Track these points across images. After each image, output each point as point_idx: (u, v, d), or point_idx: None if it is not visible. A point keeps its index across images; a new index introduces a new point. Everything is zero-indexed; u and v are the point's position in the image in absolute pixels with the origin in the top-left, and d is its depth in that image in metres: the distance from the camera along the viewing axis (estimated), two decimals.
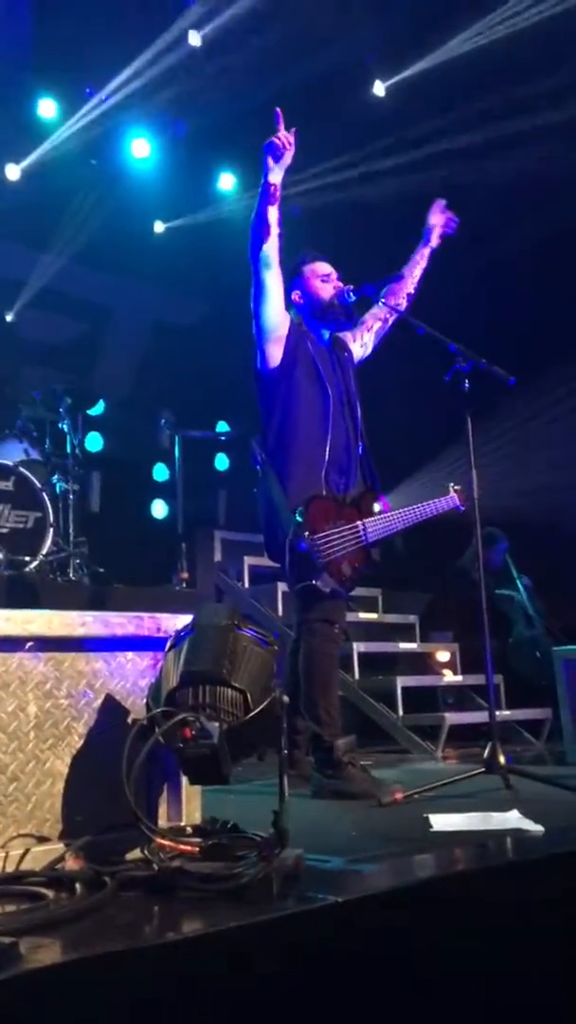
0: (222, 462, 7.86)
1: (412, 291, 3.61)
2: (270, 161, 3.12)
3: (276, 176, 3.13)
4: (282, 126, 3.11)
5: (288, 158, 3.13)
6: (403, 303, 3.57)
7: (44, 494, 5.20)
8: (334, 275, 3.48)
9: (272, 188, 3.13)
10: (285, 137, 3.11)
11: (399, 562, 5.41)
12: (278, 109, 3.11)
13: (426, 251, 3.63)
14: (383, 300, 3.51)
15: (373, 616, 5.86)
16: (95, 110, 6.65)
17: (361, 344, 3.59)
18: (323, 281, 3.45)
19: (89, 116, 6.64)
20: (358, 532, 3.25)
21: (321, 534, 3.16)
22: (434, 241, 3.64)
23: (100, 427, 6.91)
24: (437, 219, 3.63)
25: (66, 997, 1.24)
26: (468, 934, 1.78)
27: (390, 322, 3.63)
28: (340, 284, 3.45)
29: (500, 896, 1.90)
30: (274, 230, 3.16)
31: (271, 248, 3.18)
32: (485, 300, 6.45)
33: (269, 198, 3.14)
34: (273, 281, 3.22)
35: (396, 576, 5.89)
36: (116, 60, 6.29)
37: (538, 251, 6.30)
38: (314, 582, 3.15)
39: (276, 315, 3.27)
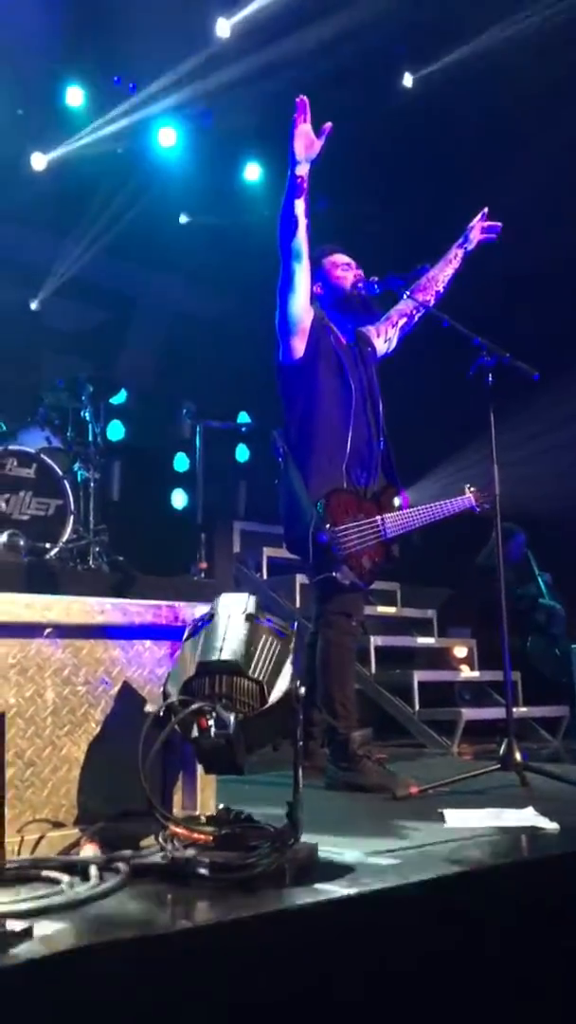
0: (243, 453, 7.86)
1: (441, 289, 3.57)
2: (297, 152, 3.08)
3: (303, 169, 3.09)
4: (307, 115, 3.06)
5: (316, 150, 3.07)
6: (431, 300, 3.54)
7: (65, 482, 5.23)
8: (354, 265, 3.46)
9: (299, 180, 3.09)
10: (307, 128, 3.04)
11: (418, 556, 5.38)
12: (303, 97, 3.06)
13: (460, 252, 3.60)
14: (409, 294, 3.48)
15: (391, 610, 5.85)
16: (123, 99, 6.65)
17: (385, 339, 3.57)
18: (343, 271, 3.43)
19: (117, 105, 6.64)
20: (377, 527, 3.25)
21: (341, 527, 3.15)
22: (471, 244, 3.61)
23: (122, 416, 6.93)
24: (476, 223, 3.60)
25: (77, 982, 1.25)
26: (481, 931, 1.77)
27: (416, 318, 3.60)
28: (360, 273, 3.43)
29: (514, 893, 1.89)
30: (302, 222, 3.14)
31: (300, 240, 3.16)
32: (509, 297, 6.40)
33: (296, 190, 3.10)
34: (302, 273, 3.20)
35: (415, 570, 5.87)
36: (144, 49, 6.26)
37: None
38: (334, 574, 3.15)
39: (302, 307, 3.25)
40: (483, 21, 6.29)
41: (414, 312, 3.58)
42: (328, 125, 3.05)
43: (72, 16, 5.92)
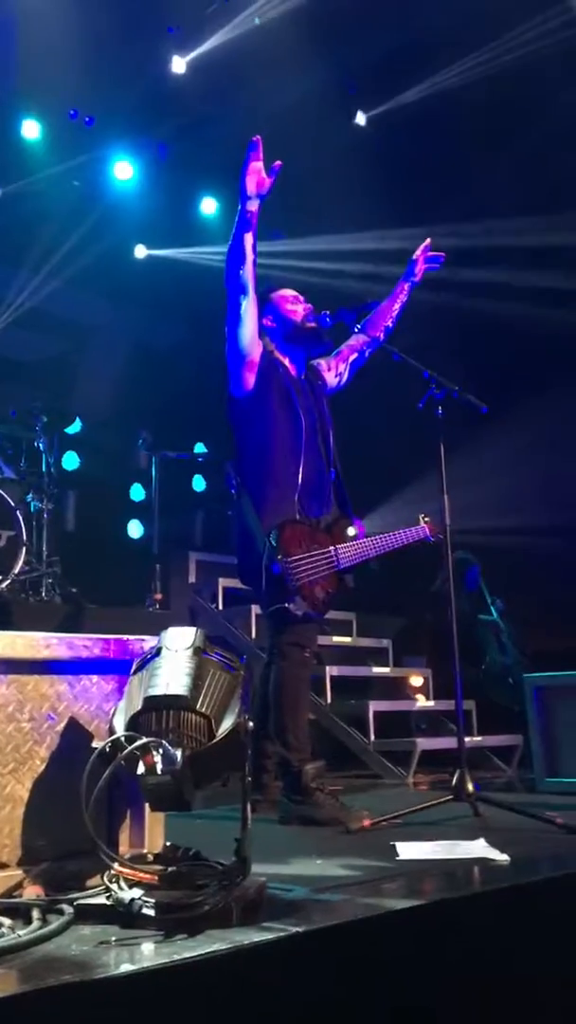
0: (199, 483, 7.85)
1: (390, 324, 3.63)
2: (248, 188, 3.13)
3: (253, 204, 3.15)
4: (260, 153, 3.12)
5: (267, 187, 3.13)
6: (381, 335, 3.60)
7: (17, 512, 5.16)
8: (302, 299, 3.51)
9: (249, 215, 3.15)
10: (259, 166, 3.10)
11: (373, 586, 5.40)
12: (257, 137, 3.12)
13: (407, 285, 3.67)
14: (360, 328, 3.53)
15: (347, 640, 5.86)
16: (80, 132, 6.68)
17: (336, 374, 3.62)
18: (293, 304, 3.49)
19: (73, 138, 6.67)
20: (330, 557, 3.26)
21: (294, 558, 3.16)
22: (417, 276, 3.67)
23: (77, 446, 6.88)
24: (420, 254, 3.67)
25: None
26: (432, 965, 1.76)
27: (366, 353, 3.67)
28: (310, 307, 3.48)
29: (466, 926, 1.88)
30: (250, 256, 3.18)
31: (247, 273, 3.20)
32: (463, 331, 6.51)
33: (246, 225, 3.16)
34: (248, 306, 3.23)
35: (370, 600, 5.89)
36: (100, 83, 6.32)
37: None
38: (287, 605, 3.15)
39: (249, 340, 3.28)
40: (435, 62, 6.47)
41: (364, 347, 3.64)
42: (278, 164, 3.11)
43: (28, 48, 5.96)
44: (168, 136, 6.81)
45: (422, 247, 3.70)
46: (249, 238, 3.16)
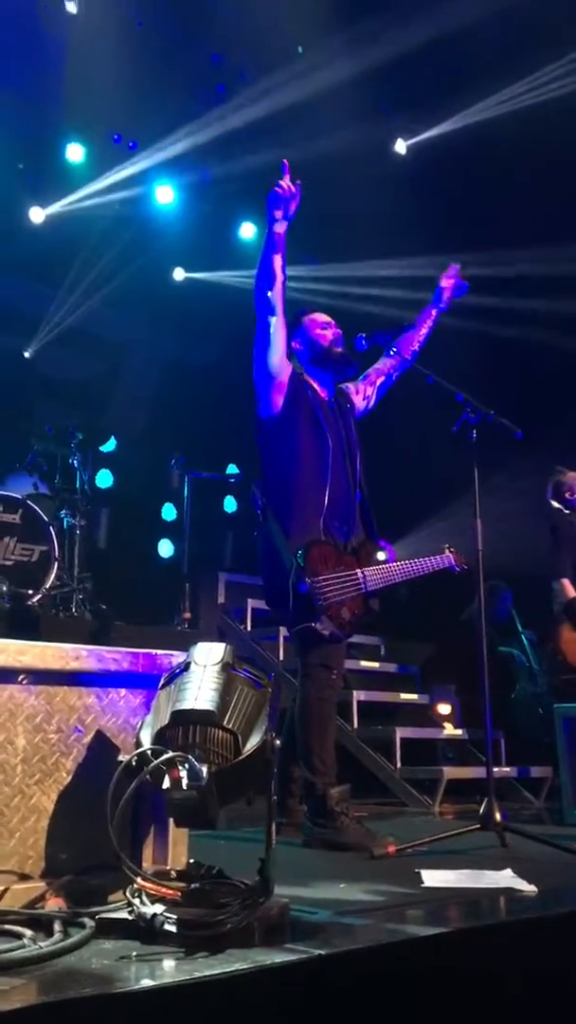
0: (230, 504, 7.87)
1: (417, 348, 3.64)
2: (275, 211, 3.18)
3: (281, 226, 3.20)
4: (287, 176, 3.17)
5: (292, 208, 3.19)
6: (409, 356, 3.61)
7: (51, 528, 5.21)
8: (333, 324, 3.53)
9: (277, 237, 3.20)
10: (288, 187, 3.17)
11: (402, 611, 5.37)
12: (285, 160, 3.18)
13: (434, 312, 3.68)
14: (395, 350, 3.54)
15: (375, 665, 5.81)
16: (122, 156, 6.80)
17: (364, 397, 3.63)
18: (323, 328, 3.51)
19: (116, 162, 6.79)
20: (357, 580, 3.25)
21: (321, 577, 3.15)
22: (443, 304, 3.68)
23: (111, 464, 6.95)
24: (447, 282, 3.68)
25: None
26: (455, 995, 1.73)
27: (394, 377, 3.67)
28: (339, 332, 3.50)
29: (490, 956, 1.85)
30: (279, 277, 3.22)
31: (276, 295, 3.23)
32: (497, 357, 6.50)
33: (274, 247, 3.20)
34: (277, 327, 3.26)
35: (399, 625, 5.85)
36: (144, 107, 6.44)
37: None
38: (313, 624, 3.14)
39: (278, 361, 3.31)
40: (476, 93, 6.51)
41: (392, 370, 3.65)
42: (298, 182, 3.17)
43: (75, 73, 6.09)
44: (209, 160, 6.90)
45: (447, 273, 3.70)
46: (278, 259, 3.21)
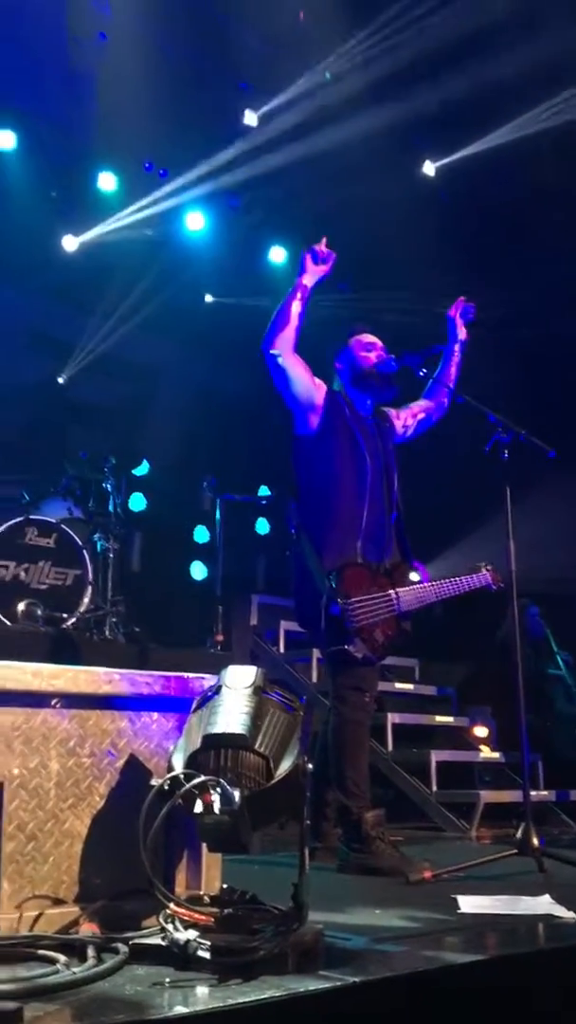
0: (263, 526, 7.88)
1: (452, 386, 3.64)
2: (308, 264, 3.26)
3: (309, 280, 3.29)
4: (324, 243, 3.28)
5: (323, 270, 3.28)
6: (446, 401, 3.66)
7: (84, 552, 5.25)
8: (379, 345, 3.55)
9: (302, 288, 3.27)
10: (323, 250, 3.26)
11: (437, 632, 5.32)
12: (324, 237, 3.29)
13: (456, 347, 3.69)
14: (425, 393, 3.64)
15: (409, 687, 5.76)
16: (153, 184, 6.90)
17: (404, 425, 3.64)
18: (366, 350, 3.53)
19: (147, 190, 6.89)
20: (391, 601, 3.23)
21: (355, 599, 3.14)
22: (461, 334, 3.69)
23: (144, 488, 6.99)
24: (455, 311, 3.70)
25: None
26: (491, 1022, 1.70)
27: (434, 419, 3.70)
28: (383, 353, 3.51)
29: (528, 984, 1.81)
30: (293, 322, 3.28)
31: (285, 338, 3.28)
32: (528, 377, 6.47)
33: (297, 294, 3.27)
34: (290, 363, 3.31)
35: (434, 646, 5.80)
36: (174, 136, 6.53)
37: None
38: (346, 647, 3.12)
39: (304, 390, 3.35)
40: (505, 114, 6.52)
41: (432, 412, 3.69)
42: (334, 254, 3.29)
43: (106, 103, 6.20)
44: (239, 187, 6.97)
45: (454, 306, 3.71)
46: (296, 306, 3.28)
